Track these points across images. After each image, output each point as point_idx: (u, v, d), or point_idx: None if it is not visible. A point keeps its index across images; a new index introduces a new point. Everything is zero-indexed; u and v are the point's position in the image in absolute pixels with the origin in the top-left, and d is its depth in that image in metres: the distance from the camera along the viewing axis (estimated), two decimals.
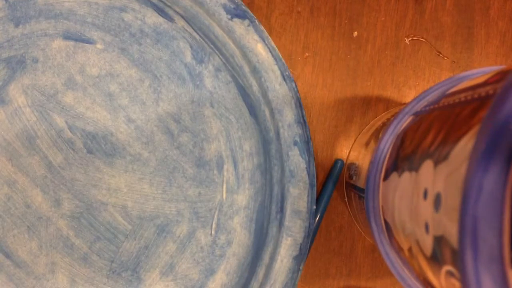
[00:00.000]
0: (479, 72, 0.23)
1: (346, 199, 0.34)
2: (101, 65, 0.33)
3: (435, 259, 0.18)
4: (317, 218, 0.33)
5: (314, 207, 0.31)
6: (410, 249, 0.21)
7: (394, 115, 0.25)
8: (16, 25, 0.32)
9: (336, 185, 0.34)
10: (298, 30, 0.34)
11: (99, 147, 0.33)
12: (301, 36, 0.34)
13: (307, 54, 0.34)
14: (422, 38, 0.35)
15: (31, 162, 0.33)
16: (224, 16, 0.31)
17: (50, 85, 0.33)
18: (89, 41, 0.33)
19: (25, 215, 0.33)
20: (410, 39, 0.35)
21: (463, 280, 0.14)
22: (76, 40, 0.33)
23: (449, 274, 0.17)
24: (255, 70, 0.31)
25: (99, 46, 0.33)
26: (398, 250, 0.22)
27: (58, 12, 0.32)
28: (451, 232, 0.16)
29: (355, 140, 0.34)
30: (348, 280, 0.34)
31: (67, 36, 0.33)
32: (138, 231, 0.33)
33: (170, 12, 0.32)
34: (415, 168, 0.20)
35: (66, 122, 0.33)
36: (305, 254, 0.31)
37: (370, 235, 0.30)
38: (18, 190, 0.33)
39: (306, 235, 0.31)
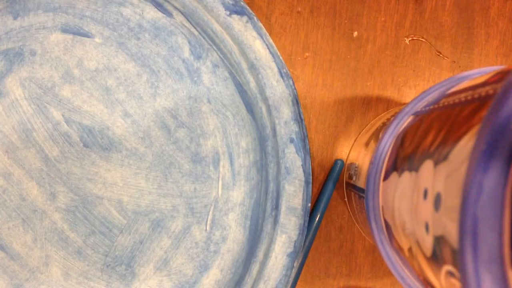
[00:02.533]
0: (479, 72, 0.23)
1: (346, 199, 0.34)
2: (99, 59, 0.33)
3: (435, 259, 0.18)
4: (317, 218, 0.33)
5: (309, 204, 0.31)
6: (410, 249, 0.21)
7: (394, 115, 0.25)
8: (15, 18, 0.32)
9: (336, 185, 0.34)
10: (298, 30, 0.34)
11: (96, 141, 0.33)
12: (301, 36, 0.34)
13: (307, 54, 0.34)
14: (422, 38, 0.35)
15: (27, 155, 0.32)
16: (222, 12, 0.31)
17: (47, 78, 0.33)
18: (87, 35, 0.33)
19: (20, 208, 0.32)
20: (410, 39, 0.35)
21: (463, 280, 0.15)
22: (74, 33, 0.33)
23: (449, 274, 0.17)
24: (252, 67, 0.31)
25: (97, 40, 0.33)
26: (398, 250, 0.22)
27: (57, 5, 0.32)
28: (451, 232, 0.16)
29: (355, 140, 0.34)
30: (348, 280, 0.34)
31: (65, 30, 0.33)
32: (133, 225, 0.33)
33: (169, 7, 0.32)
34: (415, 168, 0.20)
35: (63, 116, 0.33)
36: (299, 251, 0.32)
37: (370, 235, 0.30)
38: (13, 182, 0.32)
39: (301, 232, 0.31)
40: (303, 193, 0.31)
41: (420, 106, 0.24)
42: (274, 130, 0.31)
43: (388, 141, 0.24)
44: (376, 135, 0.28)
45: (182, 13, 0.32)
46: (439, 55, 0.35)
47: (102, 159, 0.33)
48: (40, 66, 0.32)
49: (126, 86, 0.33)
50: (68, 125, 0.33)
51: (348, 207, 0.34)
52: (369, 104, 0.35)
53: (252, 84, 0.32)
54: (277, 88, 0.31)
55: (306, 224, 0.31)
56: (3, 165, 0.32)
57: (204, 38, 0.33)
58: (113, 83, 0.33)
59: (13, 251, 0.32)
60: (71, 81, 0.33)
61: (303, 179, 0.31)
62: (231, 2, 0.31)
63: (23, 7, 0.32)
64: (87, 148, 0.33)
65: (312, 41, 0.34)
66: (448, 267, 0.17)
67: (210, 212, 0.33)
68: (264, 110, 0.32)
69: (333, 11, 0.34)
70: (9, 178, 0.32)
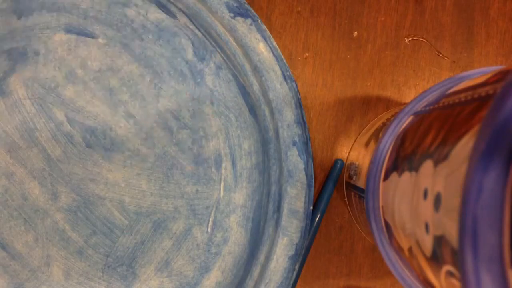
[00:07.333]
0: (479, 72, 0.23)
1: (346, 199, 0.34)
2: (102, 60, 0.33)
3: (435, 259, 0.18)
4: (317, 218, 0.33)
5: (311, 207, 0.31)
6: (410, 249, 0.21)
7: (394, 115, 0.25)
8: (19, 17, 0.32)
9: (336, 185, 0.34)
10: (298, 30, 0.34)
11: (98, 141, 0.33)
12: (301, 36, 0.35)
13: (307, 54, 0.35)
14: (422, 38, 0.35)
15: (30, 154, 0.33)
16: (226, 14, 0.31)
17: (50, 78, 0.33)
18: (91, 35, 0.33)
19: (22, 207, 0.33)
20: (410, 39, 0.35)
21: (463, 280, 0.14)
22: (78, 34, 0.33)
23: (449, 274, 0.17)
24: (256, 69, 0.32)
25: (101, 40, 0.33)
26: (398, 250, 0.22)
27: (61, 5, 0.32)
28: (451, 232, 0.16)
29: (355, 140, 0.34)
30: (348, 280, 0.34)
31: (69, 30, 0.33)
32: (135, 226, 0.33)
33: (173, 9, 0.32)
34: (415, 168, 0.20)
35: (66, 116, 0.33)
36: (300, 254, 0.31)
37: (370, 235, 0.30)
38: (15, 182, 0.32)
39: (302, 235, 0.31)
40: (305, 196, 0.31)
41: (420, 106, 0.24)
42: (276, 132, 0.32)
43: (388, 141, 0.24)
44: (376, 135, 0.28)
45: (186, 15, 0.32)
46: (439, 55, 0.35)
47: (104, 160, 0.33)
48: (44, 66, 0.33)
49: (129, 87, 0.33)
50: (70, 125, 0.33)
51: (348, 207, 0.34)
52: (369, 104, 0.35)
53: (255, 86, 0.32)
54: (280, 91, 0.31)
55: (308, 227, 0.31)
56: (6, 164, 0.32)
57: (207, 39, 0.33)
58: (116, 84, 0.33)
59: (15, 251, 0.32)
60: (74, 81, 0.33)
61: (305, 182, 0.31)
62: (235, 5, 0.31)
63: (27, 7, 0.32)
64: (90, 148, 0.33)
65: (312, 41, 0.35)
66: (448, 267, 0.17)
67: (212, 214, 0.33)
68: (267, 112, 0.32)
69: (333, 11, 0.35)
70: (11, 177, 0.32)
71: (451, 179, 0.16)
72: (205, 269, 0.33)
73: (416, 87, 0.35)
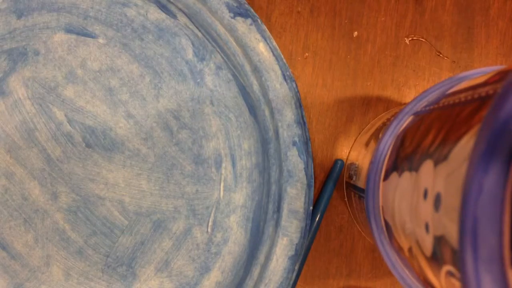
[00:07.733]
0: (479, 72, 0.23)
1: (346, 199, 0.34)
2: (102, 60, 0.33)
3: (435, 259, 0.18)
4: (317, 218, 0.33)
5: (311, 208, 0.31)
6: (410, 249, 0.21)
7: (394, 115, 0.25)
8: (19, 17, 0.32)
9: (336, 185, 0.34)
10: (298, 30, 0.34)
11: (98, 141, 0.33)
12: (301, 36, 0.35)
13: (307, 54, 0.35)
14: (422, 38, 0.35)
15: (30, 154, 0.33)
16: (226, 14, 0.31)
17: (50, 78, 0.33)
18: (91, 35, 0.33)
19: (22, 207, 0.33)
20: (410, 39, 0.35)
21: (463, 280, 0.14)
22: (78, 33, 0.33)
23: (449, 274, 0.17)
24: (256, 69, 0.31)
25: (101, 40, 0.33)
26: (398, 250, 0.22)
27: (60, 5, 0.32)
28: (451, 232, 0.16)
29: (355, 140, 0.34)
30: (348, 280, 0.34)
31: (69, 30, 0.33)
32: (135, 226, 0.33)
33: (173, 9, 0.32)
34: (415, 168, 0.20)
35: (66, 116, 0.33)
36: (300, 254, 0.31)
37: (370, 235, 0.30)
38: (15, 182, 0.32)
39: (302, 235, 0.31)
40: (305, 196, 0.31)
41: (420, 106, 0.24)
42: (276, 132, 0.31)
43: (388, 141, 0.24)
44: (376, 135, 0.28)
45: (186, 15, 0.32)
46: (439, 55, 0.35)
47: (104, 160, 0.33)
48: (44, 66, 0.33)
49: (129, 87, 0.33)
50: (70, 125, 0.33)
51: (348, 207, 0.34)
52: (369, 104, 0.35)
53: (255, 86, 0.32)
54: (280, 91, 0.31)
55: (308, 227, 0.31)
56: (6, 164, 0.32)
57: (207, 39, 0.33)
58: (116, 84, 0.33)
59: (14, 251, 0.32)
60: (74, 81, 0.33)
61: (305, 182, 0.31)
62: (235, 5, 0.31)
63: (27, 7, 0.32)
64: (90, 148, 0.33)
65: (312, 41, 0.35)
66: (448, 267, 0.17)
67: (212, 214, 0.33)
68: (267, 112, 0.32)
69: (333, 11, 0.35)
70: (11, 177, 0.32)
71: (451, 179, 0.16)
72: (205, 269, 0.33)
73: (416, 87, 0.35)
